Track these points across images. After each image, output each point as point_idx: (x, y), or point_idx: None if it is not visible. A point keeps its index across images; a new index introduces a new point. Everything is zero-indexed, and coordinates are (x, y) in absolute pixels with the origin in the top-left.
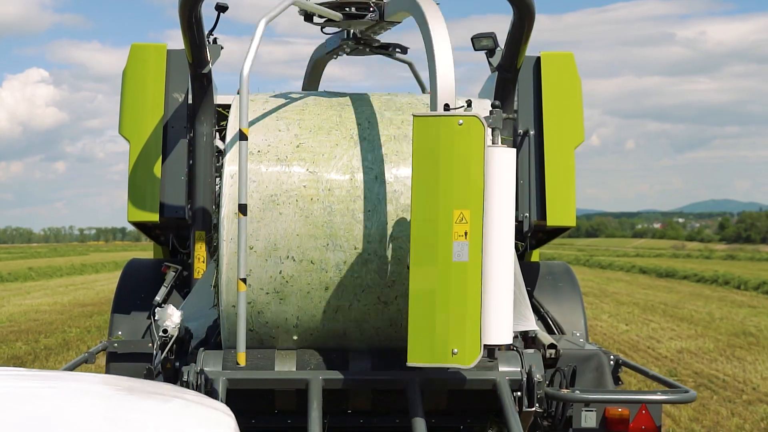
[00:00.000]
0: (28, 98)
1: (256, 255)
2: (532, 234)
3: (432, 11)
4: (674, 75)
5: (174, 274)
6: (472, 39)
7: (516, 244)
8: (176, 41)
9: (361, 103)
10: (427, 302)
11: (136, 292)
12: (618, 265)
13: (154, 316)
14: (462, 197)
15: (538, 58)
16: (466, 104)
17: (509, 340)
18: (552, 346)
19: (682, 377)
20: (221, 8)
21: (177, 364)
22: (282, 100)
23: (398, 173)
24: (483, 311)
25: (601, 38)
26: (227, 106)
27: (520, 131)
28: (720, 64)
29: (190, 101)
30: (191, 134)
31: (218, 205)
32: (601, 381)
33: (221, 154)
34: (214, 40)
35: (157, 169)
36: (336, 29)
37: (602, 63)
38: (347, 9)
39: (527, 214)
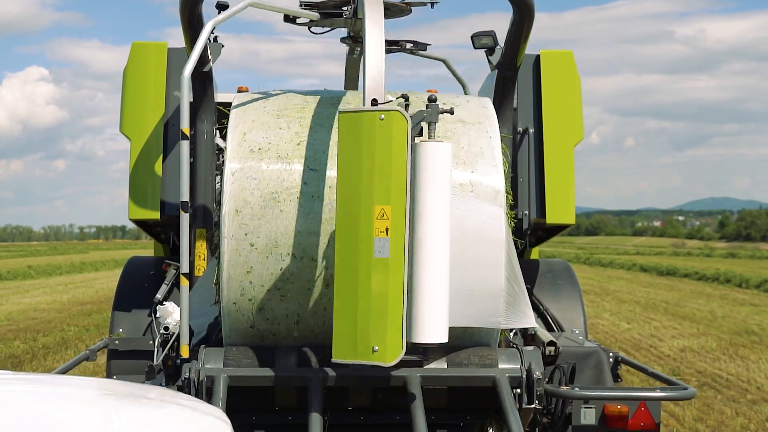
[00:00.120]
0: (28, 96)
1: (257, 252)
2: (531, 232)
3: (371, 7)
4: (673, 73)
5: (175, 272)
6: (471, 37)
7: (515, 241)
8: (177, 39)
9: (361, 101)
10: (351, 298)
11: (137, 289)
12: (619, 263)
13: (155, 314)
14: (383, 193)
15: (538, 57)
16: (403, 99)
17: (443, 339)
18: (551, 343)
19: (685, 376)
20: (222, 7)
21: (178, 361)
22: (282, 99)
23: None
24: (414, 309)
25: (601, 36)
26: (228, 104)
27: (520, 129)
28: (719, 61)
29: (191, 99)
30: (192, 132)
31: (219, 203)
32: (600, 378)
33: (222, 152)
34: (215, 39)
35: (158, 167)
36: (324, 28)
37: (602, 61)
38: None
39: (527, 212)
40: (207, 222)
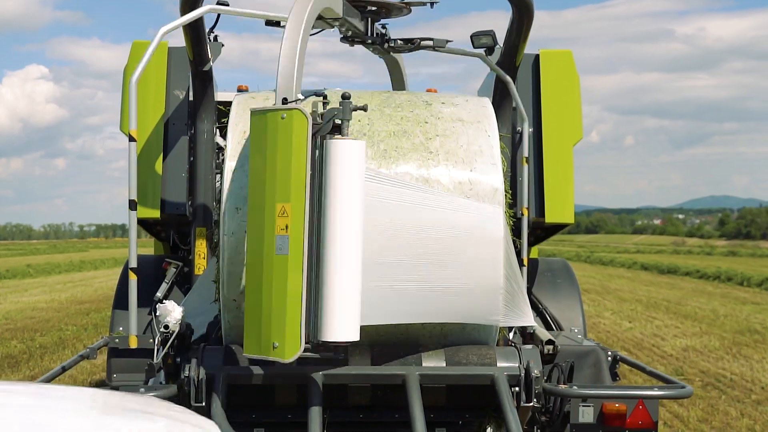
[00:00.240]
0: (27, 95)
1: None
2: (530, 231)
3: (297, 6)
4: (673, 71)
5: (175, 270)
6: (471, 37)
7: (513, 240)
8: (177, 38)
9: (360, 100)
10: (257, 294)
11: (137, 288)
12: (619, 261)
13: (155, 312)
14: (284, 191)
15: (537, 56)
16: (321, 97)
17: (353, 338)
18: (550, 342)
19: (689, 376)
20: (222, 5)
21: (178, 359)
22: None
23: (397, 168)
24: (323, 307)
25: (600, 34)
26: (228, 103)
27: (519, 129)
28: (719, 60)
29: (191, 98)
30: (192, 131)
31: (219, 201)
32: (598, 377)
33: (221, 150)
34: (215, 38)
35: (159, 166)
36: (316, 30)
37: (601, 59)
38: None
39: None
40: (207, 220)
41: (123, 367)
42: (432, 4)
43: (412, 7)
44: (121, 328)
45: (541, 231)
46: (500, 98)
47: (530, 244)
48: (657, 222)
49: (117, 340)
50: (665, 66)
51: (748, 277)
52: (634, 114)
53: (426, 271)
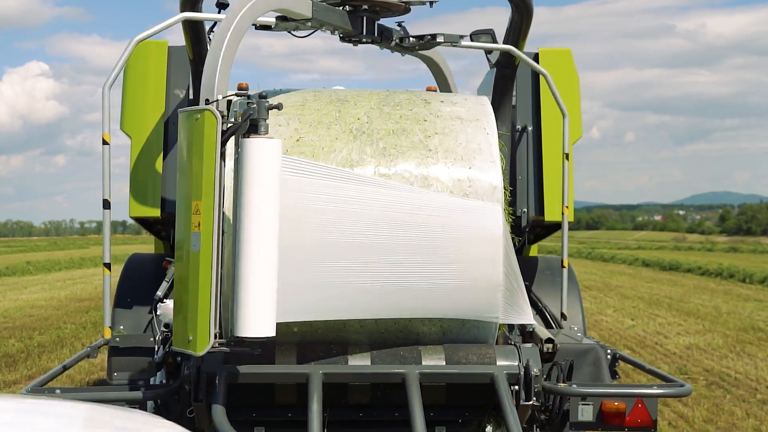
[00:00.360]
0: (28, 92)
1: None
2: (530, 229)
3: (235, 8)
4: (674, 67)
5: None
6: (470, 35)
7: (513, 239)
8: (177, 37)
9: (360, 98)
10: (179, 290)
11: (137, 287)
12: (620, 257)
13: (155, 311)
14: (197, 189)
15: (536, 55)
16: (245, 98)
17: (268, 333)
18: (549, 340)
19: (693, 375)
20: (222, 5)
21: (178, 358)
22: (282, 97)
23: (396, 166)
24: (237, 303)
25: (601, 30)
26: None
27: (519, 127)
28: (720, 56)
29: (191, 98)
30: None
31: None
32: (598, 375)
33: None
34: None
35: (159, 165)
36: (307, 31)
37: (602, 55)
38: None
39: (525, 210)
40: None
41: (123, 366)
42: (431, 3)
43: (411, 7)
44: (121, 327)
45: (541, 229)
46: (500, 96)
47: (530, 242)
48: (658, 218)
49: (117, 339)
50: (666, 62)
51: (750, 273)
52: (635, 110)
53: (405, 267)
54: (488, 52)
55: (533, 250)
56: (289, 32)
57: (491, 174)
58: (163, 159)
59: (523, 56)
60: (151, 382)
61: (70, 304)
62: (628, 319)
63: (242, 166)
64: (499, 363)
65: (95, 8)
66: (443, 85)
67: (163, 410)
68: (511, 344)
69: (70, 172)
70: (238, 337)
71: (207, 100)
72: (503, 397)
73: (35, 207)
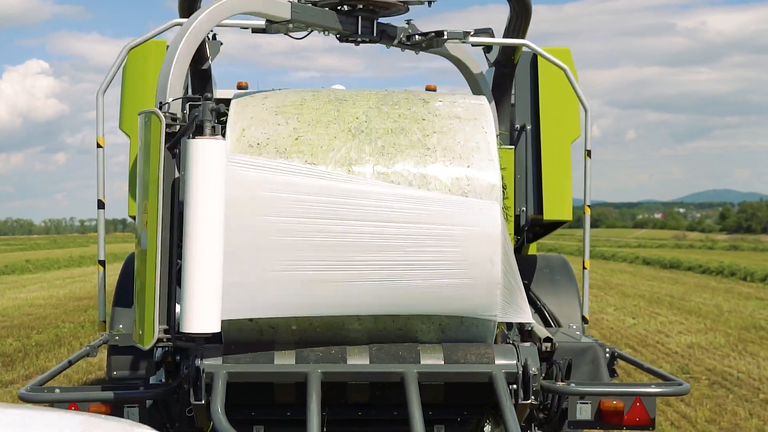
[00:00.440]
0: (28, 90)
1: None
2: (529, 228)
3: (197, 12)
4: (674, 65)
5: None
6: None
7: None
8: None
9: (358, 98)
10: (136, 286)
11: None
12: (621, 256)
13: None
14: (144, 189)
15: (535, 55)
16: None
17: (212, 330)
18: (548, 339)
19: (695, 374)
20: None
21: (177, 357)
22: (281, 96)
23: (395, 164)
24: (183, 300)
25: (601, 28)
26: (227, 101)
27: (517, 126)
28: (720, 54)
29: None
30: None
31: None
32: (596, 374)
33: None
34: (213, 36)
35: None
36: (303, 32)
37: (602, 53)
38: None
39: (524, 209)
40: None
41: (123, 365)
42: (429, 2)
43: (410, 6)
44: (121, 326)
45: (540, 228)
46: (498, 95)
47: (529, 241)
48: (658, 216)
49: (117, 338)
50: (667, 60)
51: (751, 272)
52: (636, 108)
53: (401, 265)
54: (487, 50)
55: (532, 249)
56: (286, 34)
57: (489, 173)
58: None
59: (541, 51)
60: (151, 381)
61: (68, 302)
62: (629, 318)
63: (187, 167)
64: (498, 362)
65: (95, 6)
66: (475, 87)
67: (162, 409)
68: (509, 343)
69: (70, 170)
70: (183, 333)
71: (160, 103)
72: (501, 395)
73: (35, 205)
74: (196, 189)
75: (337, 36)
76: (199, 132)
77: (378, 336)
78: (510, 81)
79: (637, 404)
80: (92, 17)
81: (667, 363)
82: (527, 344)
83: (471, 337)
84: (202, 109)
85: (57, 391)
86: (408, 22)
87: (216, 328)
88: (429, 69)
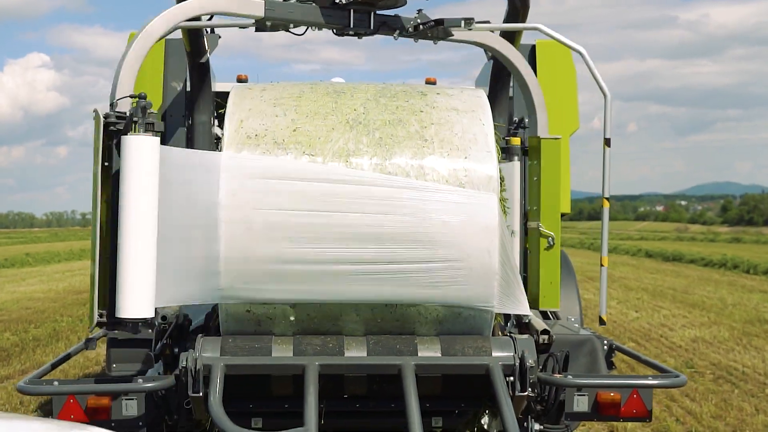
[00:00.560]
0: (29, 83)
1: (254, 235)
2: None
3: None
4: (676, 58)
5: None
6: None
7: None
8: (175, 31)
9: (356, 90)
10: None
11: None
12: (623, 248)
13: None
14: (95, 183)
15: (533, 47)
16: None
17: (145, 315)
18: (545, 331)
19: (700, 369)
20: None
21: (176, 350)
22: (279, 88)
23: (392, 156)
24: (117, 287)
25: (603, 21)
26: (226, 94)
27: (515, 119)
28: (722, 46)
29: (188, 90)
30: (190, 122)
31: None
32: (594, 366)
33: (219, 141)
34: (212, 30)
35: None
36: (302, 28)
37: (604, 46)
38: None
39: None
40: None
41: (122, 358)
42: None
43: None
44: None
45: None
46: (497, 88)
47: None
48: (659, 208)
49: (116, 331)
50: (668, 53)
51: (754, 264)
52: (637, 101)
53: (397, 255)
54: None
55: None
56: (287, 30)
57: (487, 164)
58: None
59: (555, 34)
60: (149, 374)
61: (67, 296)
62: (632, 311)
63: (122, 162)
64: (495, 354)
65: None
66: (519, 80)
67: (160, 402)
68: (506, 335)
69: (71, 163)
70: (118, 317)
71: (112, 104)
72: (498, 388)
73: (37, 198)
74: (129, 182)
75: (334, 30)
76: (131, 129)
77: (375, 328)
78: (508, 74)
79: (634, 396)
80: (94, 10)
81: (671, 357)
82: (524, 336)
83: (468, 330)
84: (136, 108)
85: (55, 383)
86: (419, 11)
87: (149, 313)
88: (431, 62)
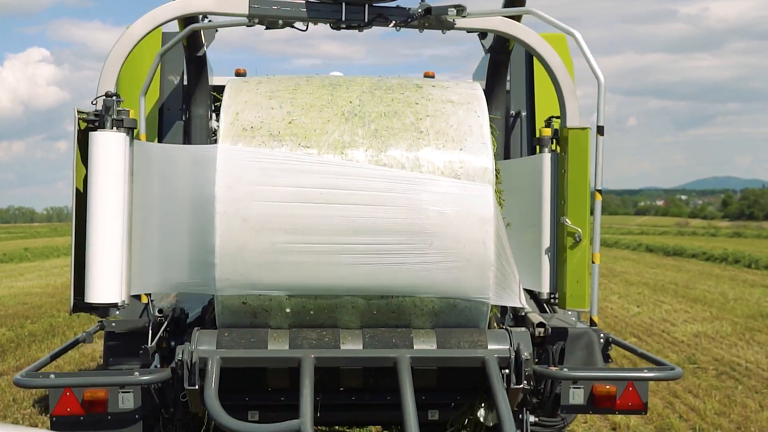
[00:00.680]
0: (29, 77)
1: (249, 227)
2: None
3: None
4: (676, 52)
5: None
6: None
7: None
8: (171, 24)
9: (352, 83)
10: None
11: None
12: (624, 243)
13: (150, 297)
14: (73, 177)
15: None
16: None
17: (112, 300)
18: (541, 324)
19: (702, 364)
20: None
21: (172, 343)
22: (275, 81)
23: (388, 148)
24: (86, 275)
25: (603, 15)
26: (224, 88)
27: (512, 112)
28: (722, 40)
29: (185, 83)
30: (187, 116)
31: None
32: (590, 359)
33: (216, 134)
34: (205, 17)
35: None
36: (304, 24)
37: (603, 40)
38: None
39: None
40: None
41: (119, 351)
42: None
43: None
44: (117, 312)
45: None
46: (494, 81)
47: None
48: (660, 203)
49: (113, 324)
50: (668, 46)
51: (755, 259)
52: (637, 95)
53: (392, 246)
54: (482, 37)
55: None
56: (291, 26)
57: (482, 156)
58: None
59: (547, 17)
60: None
61: (65, 291)
62: (634, 306)
63: (89, 158)
64: (490, 347)
65: None
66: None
67: (157, 394)
68: (502, 328)
69: (72, 157)
70: (87, 302)
71: (93, 101)
72: (494, 380)
73: (37, 193)
74: (96, 176)
75: (331, 24)
76: (101, 125)
77: (371, 320)
78: (505, 67)
79: (630, 389)
80: (94, 5)
81: (673, 353)
82: (520, 329)
83: (464, 322)
84: (104, 105)
85: (52, 376)
86: (422, 1)
87: (116, 299)
88: (431, 56)
